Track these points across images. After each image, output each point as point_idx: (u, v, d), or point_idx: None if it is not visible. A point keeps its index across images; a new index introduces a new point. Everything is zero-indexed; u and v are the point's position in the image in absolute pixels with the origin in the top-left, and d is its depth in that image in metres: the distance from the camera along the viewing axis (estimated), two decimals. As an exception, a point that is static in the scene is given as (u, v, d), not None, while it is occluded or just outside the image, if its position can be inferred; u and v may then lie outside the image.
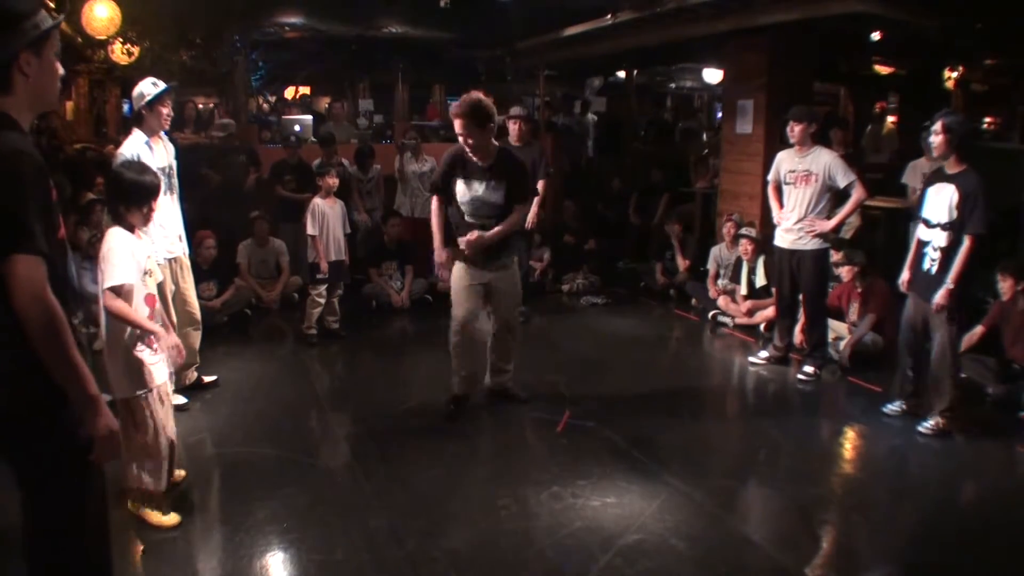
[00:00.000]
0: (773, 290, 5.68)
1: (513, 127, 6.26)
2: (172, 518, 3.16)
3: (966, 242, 3.99)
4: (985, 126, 10.51)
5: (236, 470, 3.74)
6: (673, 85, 14.46)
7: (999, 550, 3.23)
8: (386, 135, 10.44)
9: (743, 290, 6.40)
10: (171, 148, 4.43)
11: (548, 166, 6.48)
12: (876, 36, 7.34)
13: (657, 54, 10.10)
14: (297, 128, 8.96)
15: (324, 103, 13.91)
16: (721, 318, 6.51)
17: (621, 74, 12.18)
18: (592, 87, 14.18)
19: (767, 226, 6.16)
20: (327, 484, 3.62)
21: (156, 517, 3.14)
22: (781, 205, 5.22)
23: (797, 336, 5.50)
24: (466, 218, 4.26)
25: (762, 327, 6.14)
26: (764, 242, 6.08)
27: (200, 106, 9.97)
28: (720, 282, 6.71)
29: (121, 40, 7.18)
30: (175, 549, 3.03)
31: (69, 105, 10.13)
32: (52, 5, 6.45)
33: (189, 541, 3.10)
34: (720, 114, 9.70)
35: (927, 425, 4.24)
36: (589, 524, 3.24)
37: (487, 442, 4.26)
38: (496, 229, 4.19)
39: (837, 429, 4.56)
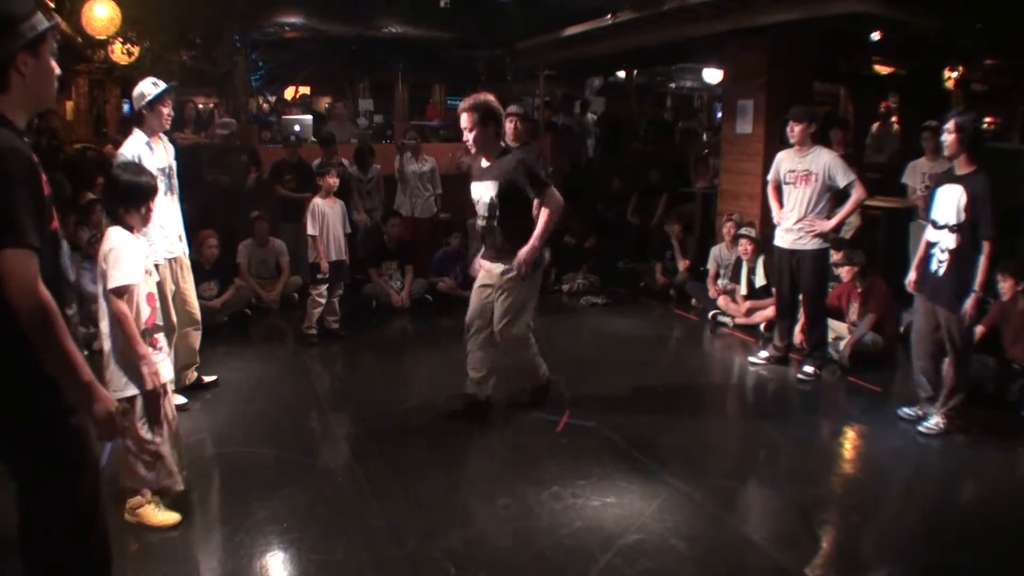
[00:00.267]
0: (773, 290, 5.68)
1: (509, 126, 6.25)
2: (172, 518, 3.16)
3: (985, 248, 3.98)
4: (985, 126, 10.50)
5: (236, 470, 3.74)
6: (673, 85, 14.47)
7: (999, 550, 3.23)
8: (386, 135, 10.44)
9: (743, 290, 6.40)
10: (171, 148, 4.43)
11: (546, 166, 6.48)
12: (876, 36, 7.34)
13: (657, 54, 10.10)
14: (297, 128, 8.96)
15: (324, 103, 13.92)
16: (721, 318, 6.51)
17: (621, 74, 12.18)
18: (592, 87, 14.19)
19: (767, 226, 6.16)
20: (327, 484, 3.62)
21: (156, 517, 3.14)
22: (781, 205, 5.22)
23: (797, 336, 5.50)
24: (477, 220, 4.32)
25: (762, 327, 6.14)
26: (764, 242, 6.08)
27: (200, 106, 9.97)
28: (720, 282, 6.71)
29: (121, 40, 7.18)
30: (175, 549, 3.03)
31: (69, 105, 10.14)
32: (52, 5, 6.45)
33: (189, 541, 3.10)
34: (720, 114, 9.70)
35: (928, 425, 4.24)
36: (589, 524, 3.24)
37: (487, 442, 4.26)
38: (535, 235, 4.09)
39: (837, 429, 4.56)
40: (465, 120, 4.12)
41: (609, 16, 7.68)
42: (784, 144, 5.38)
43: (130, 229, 3.12)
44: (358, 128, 9.93)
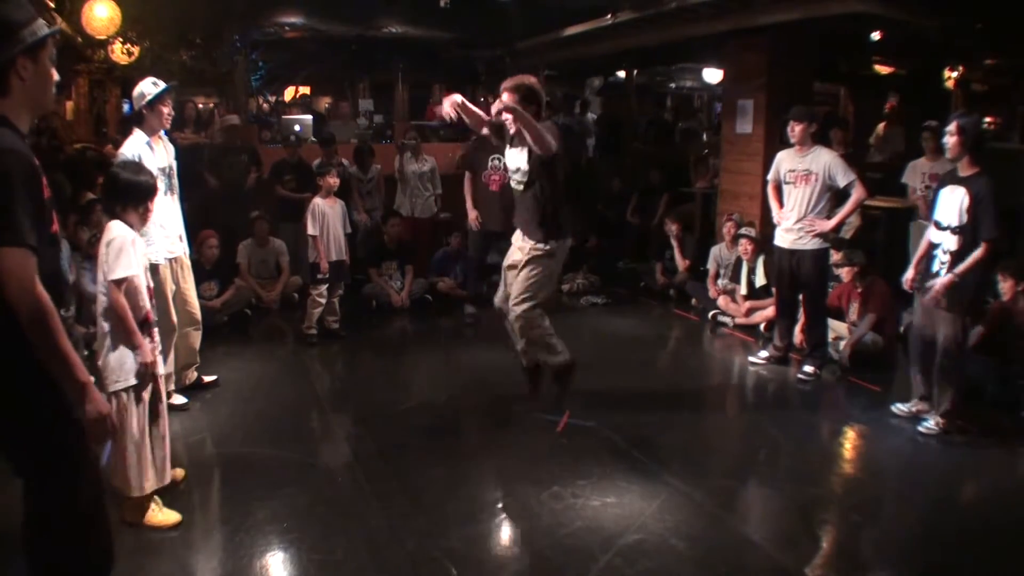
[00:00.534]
0: (773, 290, 5.68)
1: None
2: (172, 518, 3.16)
3: (981, 246, 3.98)
4: (985, 126, 10.49)
5: (236, 470, 3.74)
6: (673, 85, 14.47)
7: (999, 550, 3.23)
8: (386, 135, 10.44)
9: (743, 290, 6.40)
10: (171, 148, 4.42)
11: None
12: (876, 36, 7.34)
13: (657, 54, 10.10)
14: (297, 128, 8.96)
15: (324, 103, 13.93)
16: (721, 318, 6.52)
17: (621, 74, 12.18)
18: (592, 87, 14.18)
19: (767, 226, 6.16)
20: (327, 484, 3.62)
21: (156, 517, 3.14)
22: (781, 205, 5.22)
23: (797, 336, 5.51)
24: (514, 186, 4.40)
25: (762, 327, 6.14)
26: (764, 242, 6.08)
27: (200, 106, 9.97)
28: (720, 282, 6.72)
29: (121, 40, 7.18)
30: (175, 549, 3.03)
31: (69, 105, 10.13)
32: (52, 5, 6.45)
33: (189, 541, 3.10)
34: (719, 114, 9.70)
35: (927, 425, 4.24)
36: (589, 524, 3.24)
37: (487, 442, 4.26)
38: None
39: (837, 429, 4.56)
40: (507, 98, 4.13)
41: (609, 16, 7.68)
42: (784, 144, 5.38)
43: (129, 226, 3.12)
44: (358, 128, 9.94)
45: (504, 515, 3.36)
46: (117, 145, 5.61)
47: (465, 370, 5.41)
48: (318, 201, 5.76)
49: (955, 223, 4.07)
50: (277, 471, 3.72)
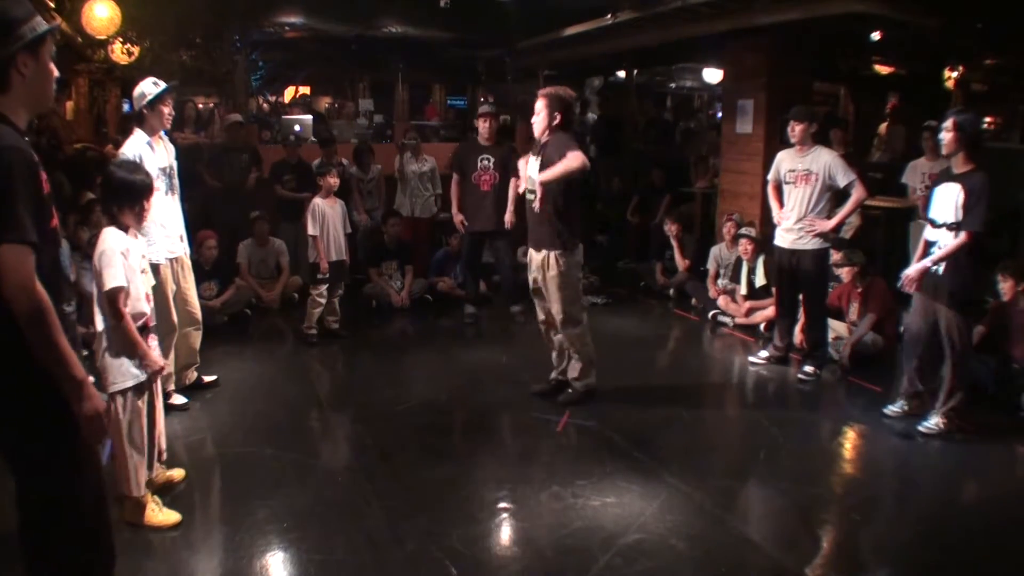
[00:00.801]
0: (773, 290, 5.68)
1: (483, 125, 6.26)
2: (172, 518, 3.16)
3: (961, 236, 3.99)
4: (985, 126, 10.50)
5: (236, 470, 3.74)
6: (673, 85, 14.45)
7: (999, 550, 3.23)
8: (386, 135, 10.44)
9: (743, 290, 6.40)
10: (172, 148, 4.42)
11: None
12: (876, 36, 7.34)
13: (657, 54, 10.09)
14: (297, 128, 8.96)
15: (324, 103, 13.94)
16: (721, 318, 6.51)
17: (621, 74, 12.18)
18: (592, 87, 14.17)
19: (767, 226, 6.16)
20: (327, 484, 3.61)
21: (156, 517, 3.14)
22: (781, 205, 5.22)
23: (797, 336, 5.50)
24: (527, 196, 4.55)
25: (762, 327, 6.14)
26: (764, 242, 6.08)
27: (200, 106, 9.97)
28: (720, 282, 6.72)
29: (121, 40, 7.18)
30: (175, 549, 3.03)
31: (69, 105, 10.14)
32: (52, 5, 6.45)
33: (189, 541, 3.10)
34: (720, 114, 9.70)
35: (927, 425, 4.24)
36: (589, 524, 3.24)
37: (487, 442, 4.26)
38: (554, 170, 4.27)
39: (837, 429, 4.55)
40: (539, 105, 4.39)
41: (609, 16, 7.68)
42: (784, 144, 5.39)
43: (125, 228, 3.11)
44: (359, 128, 9.95)
45: (504, 515, 3.35)
46: (117, 145, 5.61)
47: (465, 370, 5.41)
48: (318, 201, 5.76)
49: (951, 219, 4.08)
50: (277, 471, 3.72)
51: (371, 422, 4.34)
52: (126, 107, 10.31)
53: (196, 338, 4.63)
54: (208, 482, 3.65)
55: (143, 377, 3.07)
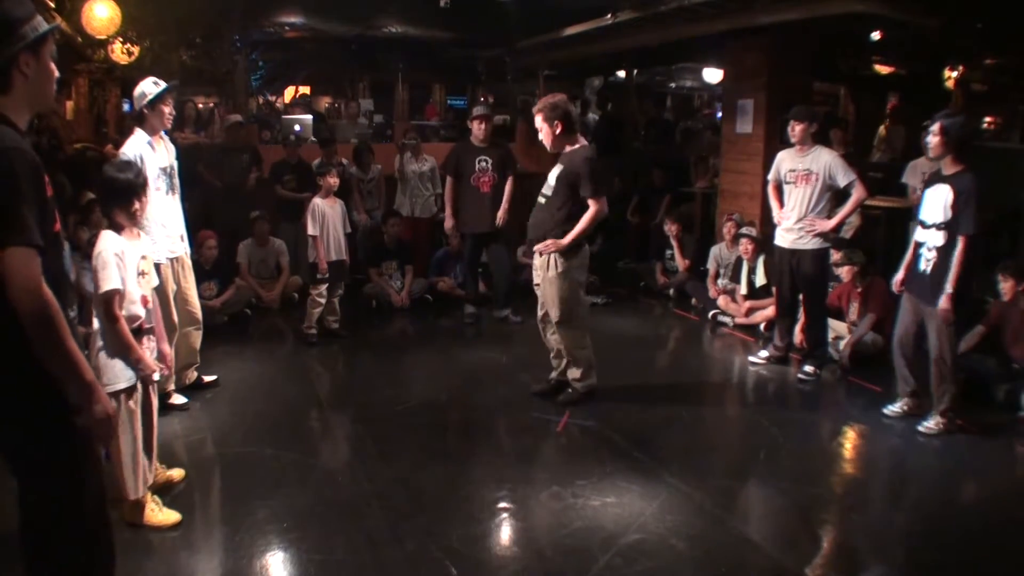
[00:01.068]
0: (773, 290, 5.68)
1: (478, 126, 6.26)
2: (172, 518, 3.16)
3: (960, 243, 4.00)
4: (985, 126, 10.49)
5: (236, 470, 3.74)
6: (673, 85, 14.45)
7: (999, 550, 3.23)
8: (386, 135, 10.44)
9: (743, 290, 6.40)
10: (172, 148, 4.42)
11: (515, 164, 6.54)
12: (876, 36, 7.34)
13: (657, 54, 10.09)
14: (297, 128, 8.96)
15: (324, 103, 13.94)
16: (721, 318, 6.52)
17: (621, 74, 12.19)
18: (592, 87, 14.18)
19: (767, 226, 6.16)
20: (327, 484, 3.61)
21: (156, 517, 3.14)
22: (781, 204, 5.22)
23: (797, 336, 5.51)
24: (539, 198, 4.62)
25: (762, 327, 6.15)
26: (764, 242, 6.08)
27: (200, 106, 9.97)
28: (720, 282, 6.72)
29: (121, 40, 7.18)
30: (175, 549, 3.03)
31: (69, 105, 10.14)
32: (52, 5, 6.45)
33: (189, 541, 3.10)
34: (719, 114, 9.69)
35: (927, 425, 4.25)
36: (589, 524, 3.24)
37: (487, 442, 4.26)
38: (575, 230, 4.40)
39: (837, 429, 4.56)
40: (538, 121, 4.44)
41: (609, 16, 7.67)
42: (784, 144, 5.39)
43: (120, 228, 3.10)
44: (359, 128, 9.95)
45: (504, 515, 3.35)
46: (117, 145, 5.61)
47: (465, 370, 5.41)
48: (318, 201, 5.76)
49: (940, 220, 4.11)
50: (277, 471, 3.72)
51: (371, 422, 4.34)
52: (126, 107, 10.31)
53: (196, 338, 4.63)
54: (208, 482, 3.64)
55: (134, 381, 3.05)
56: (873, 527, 3.38)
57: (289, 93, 13.77)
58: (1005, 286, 4.82)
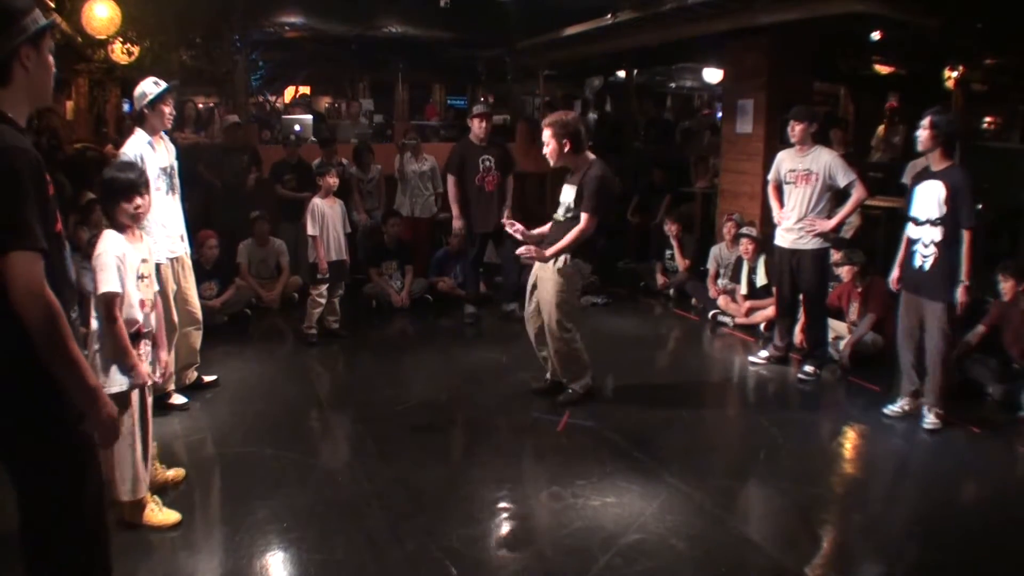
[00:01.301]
0: (773, 290, 5.68)
1: (479, 124, 6.26)
2: (172, 518, 3.16)
3: (965, 237, 4.05)
4: (985, 126, 10.49)
5: (236, 470, 3.74)
6: (673, 85, 14.44)
7: (999, 550, 3.23)
8: (386, 135, 10.45)
9: (743, 290, 6.40)
10: (172, 148, 4.43)
11: (514, 164, 6.55)
12: (876, 36, 7.33)
13: (657, 54, 10.09)
14: (297, 128, 8.96)
15: (324, 103, 13.94)
16: (721, 318, 6.51)
17: (621, 74, 12.18)
18: (592, 87, 14.18)
19: (767, 226, 6.16)
20: (327, 484, 3.61)
21: (156, 517, 3.14)
22: (781, 205, 5.22)
23: (797, 336, 5.51)
24: (556, 215, 4.64)
25: (762, 327, 6.15)
26: (764, 241, 6.08)
27: (200, 106, 9.97)
28: (720, 282, 6.72)
29: (121, 40, 7.18)
30: (175, 549, 3.03)
31: (69, 105, 10.15)
32: (52, 5, 6.45)
33: (189, 541, 3.10)
34: (719, 114, 9.69)
35: (930, 420, 4.26)
36: (589, 524, 3.24)
37: (487, 442, 4.26)
38: (564, 240, 4.38)
39: (837, 429, 4.56)
40: (546, 135, 4.42)
41: (609, 16, 7.67)
42: (784, 144, 5.39)
43: (122, 228, 3.10)
44: (359, 127, 9.95)
45: (504, 515, 3.35)
46: (117, 145, 5.61)
47: (465, 370, 5.41)
48: (317, 201, 5.76)
49: (935, 215, 4.14)
50: (277, 471, 3.72)
51: (371, 422, 4.34)
52: (126, 107, 10.31)
53: (196, 338, 4.63)
54: (208, 482, 3.64)
55: (126, 386, 3.02)
56: (873, 527, 3.37)
57: (289, 93, 13.76)
58: (1005, 286, 4.83)
